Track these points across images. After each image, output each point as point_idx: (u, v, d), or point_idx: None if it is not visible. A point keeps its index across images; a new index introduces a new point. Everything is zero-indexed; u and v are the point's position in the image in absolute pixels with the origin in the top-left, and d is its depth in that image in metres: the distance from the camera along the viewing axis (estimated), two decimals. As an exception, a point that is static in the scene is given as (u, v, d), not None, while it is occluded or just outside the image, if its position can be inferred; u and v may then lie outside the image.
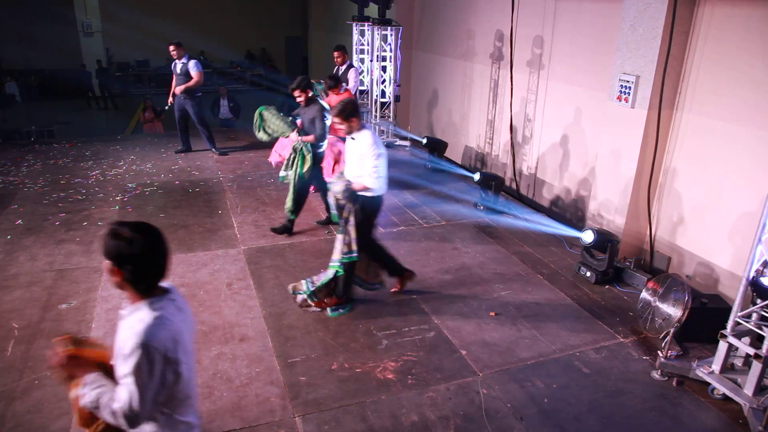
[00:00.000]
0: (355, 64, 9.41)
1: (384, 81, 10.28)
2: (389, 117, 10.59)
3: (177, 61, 9.52)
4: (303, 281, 5.28)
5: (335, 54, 9.27)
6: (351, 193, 4.87)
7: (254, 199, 7.85)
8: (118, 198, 7.80)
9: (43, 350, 4.43)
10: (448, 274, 5.91)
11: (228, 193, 8.05)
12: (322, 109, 6.37)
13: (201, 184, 8.40)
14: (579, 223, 7.46)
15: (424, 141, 9.47)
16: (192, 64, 9.44)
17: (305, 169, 6.43)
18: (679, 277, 4.55)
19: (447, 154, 10.14)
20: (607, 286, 5.79)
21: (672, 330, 4.31)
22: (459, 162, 10.51)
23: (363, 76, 11.45)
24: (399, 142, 10.61)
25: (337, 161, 7.34)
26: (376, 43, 10.09)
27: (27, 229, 6.78)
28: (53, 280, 5.58)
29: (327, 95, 7.76)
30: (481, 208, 7.60)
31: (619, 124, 6.30)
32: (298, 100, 6.46)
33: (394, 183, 8.46)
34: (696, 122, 5.74)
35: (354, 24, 11.23)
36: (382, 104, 10.47)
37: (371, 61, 11.21)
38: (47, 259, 6.02)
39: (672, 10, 5.55)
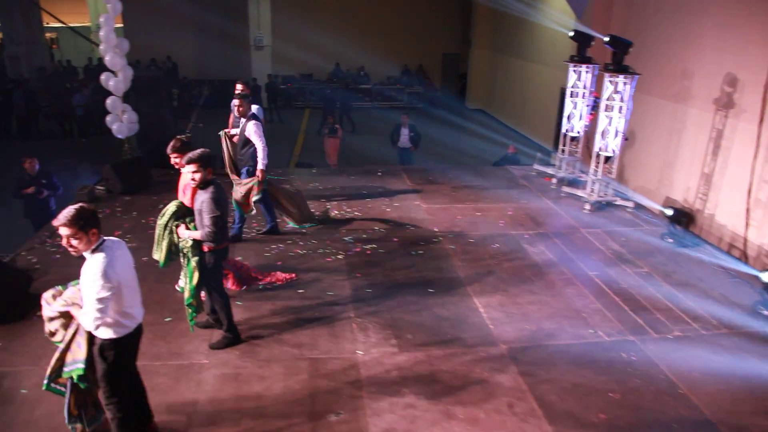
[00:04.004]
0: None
1: (609, 133, 9.15)
2: (610, 172, 9.45)
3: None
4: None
5: (236, 102, 7.28)
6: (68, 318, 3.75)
7: (487, 271, 7.06)
8: (340, 256, 7.29)
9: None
10: (774, 418, 4.76)
11: (455, 261, 7.32)
12: (217, 194, 4.89)
13: (421, 244, 7.73)
14: None
15: (670, 213, 8.25)
16: (254, 109, 7.98)
17: (194, 283, 5.01)
18: None
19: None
20: None
21: None
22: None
23: (573, 121, 10.44)
24: (620, 202, 9.45)
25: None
26: (607, 91, 9.00)
27: (254, 293, 6.36)
28: (309, 374, 5.03)
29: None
30: (765, 312, 6.34)
31: None
32: (193, 183, 4.92)
33: (634, 260, 7.41)
34: None
35: (570, 65, 10.21)
36: (606, 158, 9.33)
37: (588, 106, 10.16)
38: (293, 340, 5.52)
39: None
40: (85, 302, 3.49)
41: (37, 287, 6.27)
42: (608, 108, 9.09)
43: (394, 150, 13.43)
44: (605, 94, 9.03)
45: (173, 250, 5.18)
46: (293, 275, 6.68)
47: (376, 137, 16.99)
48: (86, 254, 3.51)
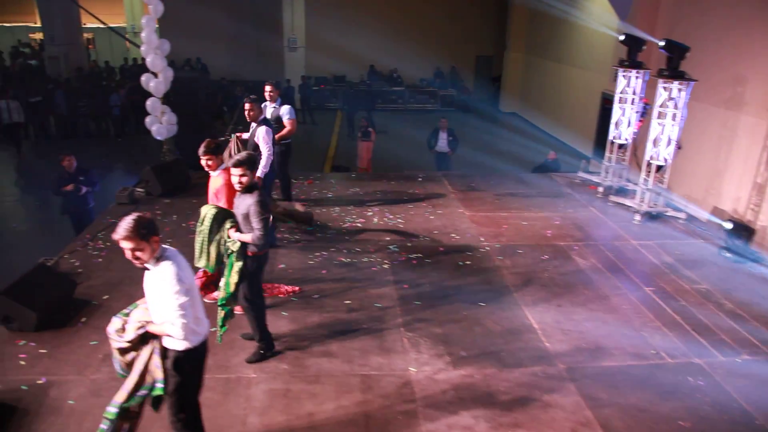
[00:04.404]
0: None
1: (661, 141, 8.80)
2: (662, 182, 9.09)
3: (268, 103, 8.10)
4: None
5: (246, 106, 7.10)
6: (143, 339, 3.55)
7: (538, 284, 6.80)
8: (386, 266, 7.08)
9: None
10: None
11: (504, 272, 7.07)
12: (263, 196, 4.80)
13: (468, 254, 7.50)
14: None
15: (729, 226, 7.89)
16: (286, 109, 8.11)
17: (232, 285, 4.80)
18: None
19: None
20: None
21: None
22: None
23: (621, 127, 10.09)
24: (671, 212, 9.09)
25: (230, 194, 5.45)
26: (660, 97, 8.66)
27: (299, 303, 6.19)
28: (361, 391, 4.84)
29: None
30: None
31: None
32: (239, 186, 4.78)
33: (690, 275, 7.06)
34: None
35: (619, 70, 9.88)
36: (657, 167, 8.97)
37: (637, 113, 9.83)
38: (343, 355, 5.33)
39: None
40: (166, 313, 3.36)
41: (81, 292, 6.21)
42: (661, 115, 8.75)
43: (431, 154, 13.19)
44: (659, 100, 8.69)
45: (222, 251, 5.02)
46: (297, 288, 6.43)
47: (407, 140, 16.77)
48: (150, 265, 3.37)
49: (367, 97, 20.35)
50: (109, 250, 7.31)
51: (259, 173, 6.85)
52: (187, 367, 3.54)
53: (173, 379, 3.53)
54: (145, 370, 3.47)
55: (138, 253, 3.29)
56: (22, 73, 21.09)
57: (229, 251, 4.84)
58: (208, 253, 4.98)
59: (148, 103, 10.03)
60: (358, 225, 8.29)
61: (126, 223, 3.25)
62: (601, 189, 10.12)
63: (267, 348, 5.21)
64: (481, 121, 20.54)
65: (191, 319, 3.40)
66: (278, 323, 5.65)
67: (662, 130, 8.74)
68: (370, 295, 6.38)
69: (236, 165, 4.67)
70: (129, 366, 3.54)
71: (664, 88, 8.61)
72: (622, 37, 9.63)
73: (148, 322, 3.47)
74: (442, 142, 12.96)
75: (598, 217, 9.06)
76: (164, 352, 3.50)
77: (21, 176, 14.43)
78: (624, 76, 9.83)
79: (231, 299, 4.84)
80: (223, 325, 4.91)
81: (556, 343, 5.66)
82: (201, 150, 5.48)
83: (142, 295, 6.15)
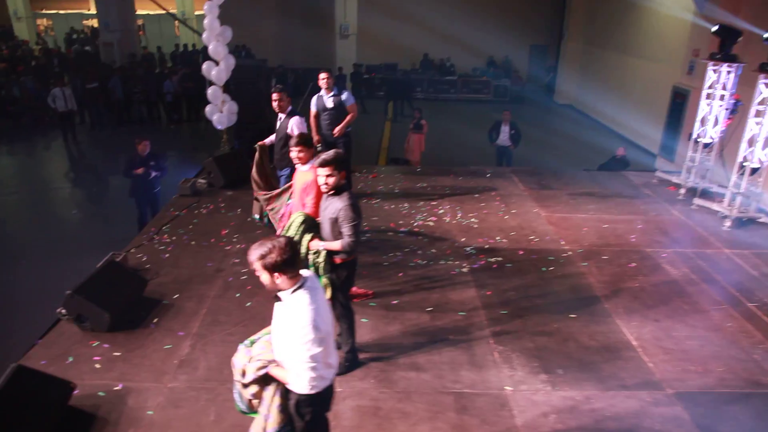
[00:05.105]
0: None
1: (759, 142, 8.15)
2: (756, 185, 8.43)
3: (324, 92, 7.69)
4: None
5: (275, 96, 6.69)
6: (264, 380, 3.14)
7: (630, 296, 6.30)
8: (465, 269, 6.68)
9: None
10: None
11: (591, 280, 6.59)
12: (355, 200, 4.40)
13: (550, 259, 7.03)
14: None
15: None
16: (346, 95, 7.79)
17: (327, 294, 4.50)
18: None
19: None
20: None
21: None
22: None
23: (707, 126, 9.43)
24: (764, 219, 8.43)
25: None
26: (760, 95, 8.01)
27: (378, 309, 5.84)
28: (456, 412, 4.46)
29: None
30: None
31: None
32: (325, 187, 4.38)
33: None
34: None
35: (709, 64, 9.21)
36: (753, 170, 8.33)
37: (726, 110, 9.15)
38: (432, 369, 4.96)
39: None
40: (292, 362, 2.95)
41: (150, 290, 5.99)
42: (759, 114, 8.09)
43: (491, 148, 12.72)
44: (758, 98, 8.03)
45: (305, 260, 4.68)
46: (370, 292, 6.08)
47: (459, 132, 16.27)
48: (283, 295, 2.95)
49: (404, 85, 20.00)
50: (176, 245, 7.10)
51: None
52: (308, 413, 3.11)
53: (298, 423, 3.14)
54: (268, 414, 3.12)
55: (276, 279, 2.86)
56: (78, 60, 21.26)
57: (316, 264, 4.51)
58: None
59: (209, 91, 9.78)
60: (430, 224, 7.90)
61: (262, 247, 2.84)
62: (682, 190, 9.49)
63: (353, 359, 4.88)
64: (535, 113, 19.92)
65: (321, 368, 2.97)
66: (359, 332, 5.28)
67: (760, 130, 8.08)
68: (452, 302, 6.00)
69: (323, 164, 4.30)
70: (250, 403, 3.20)
71: (766, 84, 7.94)
72: (715, 28, 8.95)
73: (270, 362, 3.08)
74: (504, 136, 12.46)
75: (683, 221, 8.47)
76: (286, 392, 3.12)
77: (76, 164, 14.47)
78: (714, 70, 9.15)
79: None
80: None
81: (659, 363, 5.19)
82: (293, 141, 5.17)
83: (213, 295, 5.95)
